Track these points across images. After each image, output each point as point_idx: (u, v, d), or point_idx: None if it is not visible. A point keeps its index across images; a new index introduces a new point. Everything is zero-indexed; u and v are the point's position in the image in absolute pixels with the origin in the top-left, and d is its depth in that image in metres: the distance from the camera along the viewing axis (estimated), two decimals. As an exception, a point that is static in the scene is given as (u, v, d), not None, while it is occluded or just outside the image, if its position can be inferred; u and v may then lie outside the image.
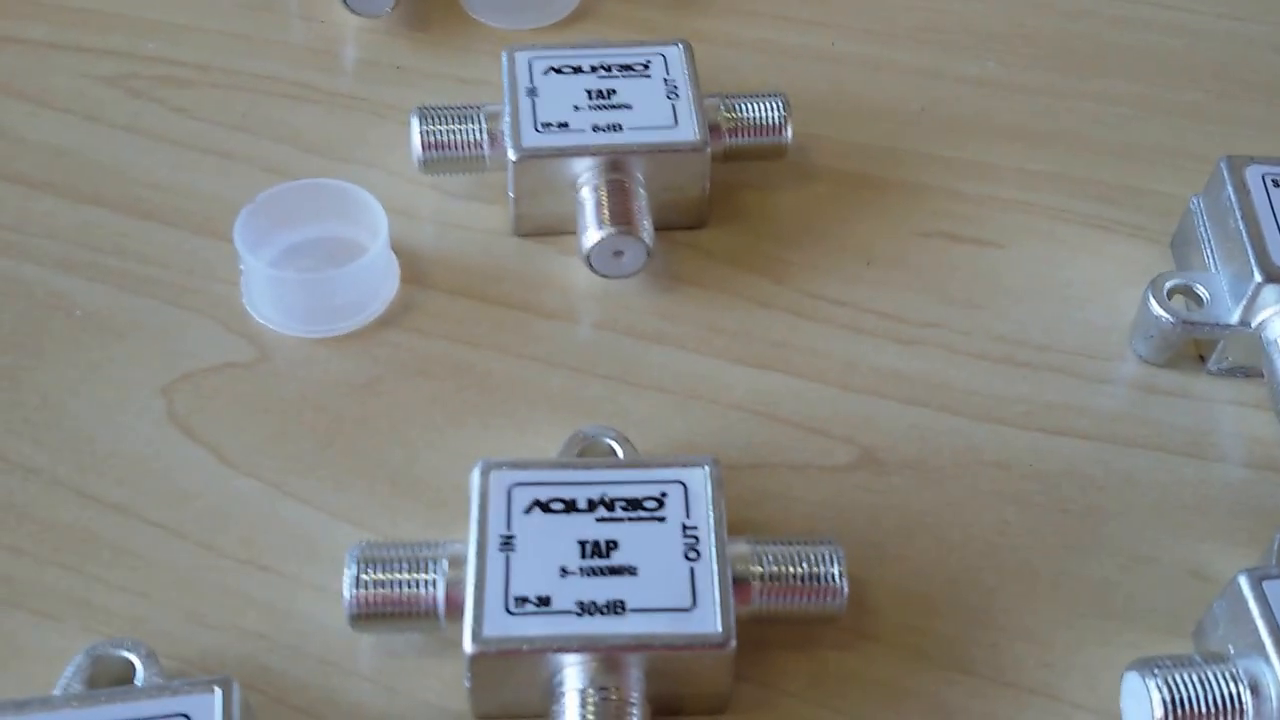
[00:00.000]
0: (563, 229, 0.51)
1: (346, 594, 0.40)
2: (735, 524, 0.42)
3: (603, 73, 0.52)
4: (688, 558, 0.40)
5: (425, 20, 0.61)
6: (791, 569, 0.40)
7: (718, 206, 0.53)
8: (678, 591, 0.39)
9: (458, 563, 0.40)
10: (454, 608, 0.39)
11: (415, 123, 0.51)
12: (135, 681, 0.39)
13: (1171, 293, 0.48)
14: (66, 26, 0.60)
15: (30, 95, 0.58)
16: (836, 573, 0.41)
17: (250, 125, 0.57)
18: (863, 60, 0.60)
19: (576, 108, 0.51)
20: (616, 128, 0.51)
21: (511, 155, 0.50)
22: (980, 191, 0.55)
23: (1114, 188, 0.55)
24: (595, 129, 0.51)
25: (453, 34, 0.60)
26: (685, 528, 0.40)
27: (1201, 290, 0.48)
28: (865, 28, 0.62)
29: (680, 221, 0.52)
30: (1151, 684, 0.38)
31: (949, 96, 0.59)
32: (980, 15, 0.63)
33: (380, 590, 0.40)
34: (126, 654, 0.40)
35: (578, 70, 0.52)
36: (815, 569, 0.40)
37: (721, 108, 0.52)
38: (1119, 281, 0.52)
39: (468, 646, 0.38)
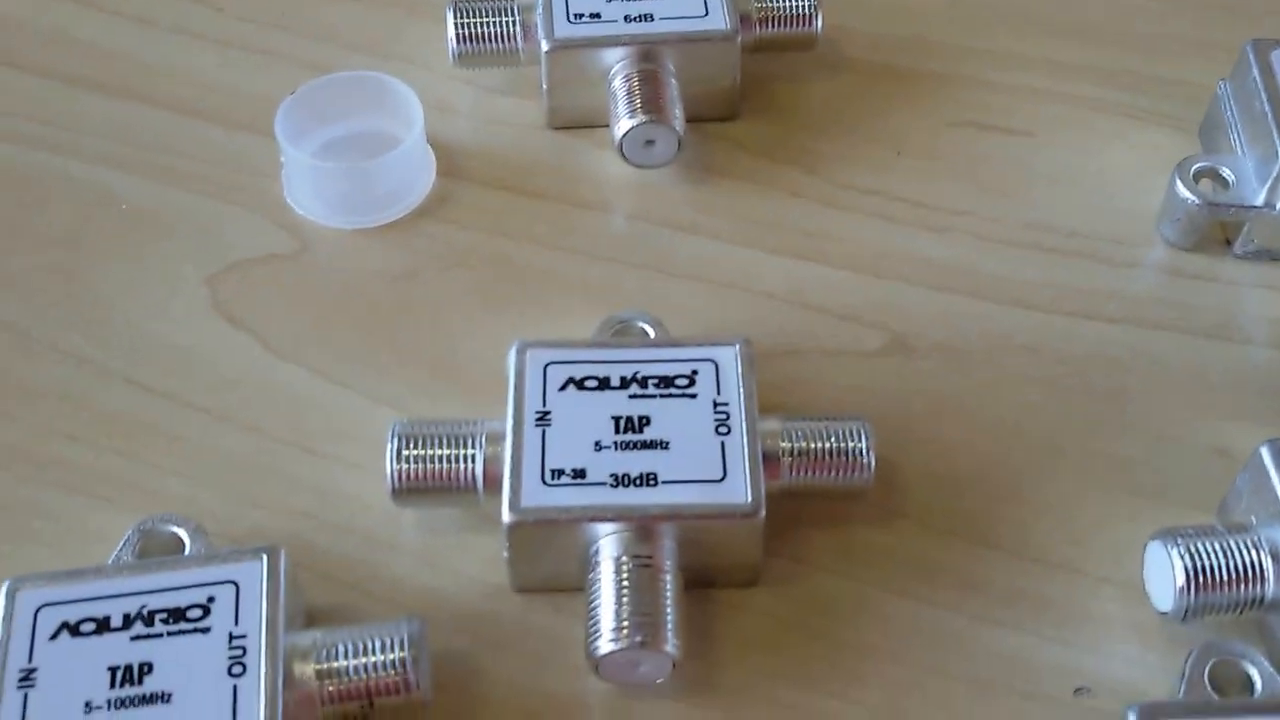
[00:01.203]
0: (596, 121, 0.52)
1: (388, 468, 0.41)
2: (767, 408, 0.42)
3: None
4: (718, 432, 0.41)
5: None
6: (819, 444, 0.41)
7: (749, 98, 0.54)
8: (708, 464, 0.40)
9: (495, 439, 0.41)
10: (492, 481, 0.40)
11: (450, 16, 0.52)
12: (183, 552, 0.40)
13: (1198, 175, 0.49)
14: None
15: (77, -2, 0.59)
16: (864, 447, 0.41)
17: (289, 23, 0.58)
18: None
19: (608, 3, 0.52)
20: (648, 17, 0.51)
21: (544, 45, 0.51)
22: (1010, 81, 0.55)
23: (1143, 77, 0.55)
24: (627, 19, 0.51)
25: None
26: (716, 404, 0.41)
27: (1227, 172, 0.49)
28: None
29: (712, 113, 0.53)
30: (1174, 553, 0.39)
31: (981, -12, 0.59)
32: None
33: (421, 465, 0.41)
34: (175, 528, 0.41)
35: None
36: (843, 443, 0.41)
37: (754, 6, 0.53)
38: (1147, 169, 0.52)
39: (506, 516, 0.39)
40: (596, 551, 0.39)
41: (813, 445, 0.41)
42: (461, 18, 0.52)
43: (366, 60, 0.55)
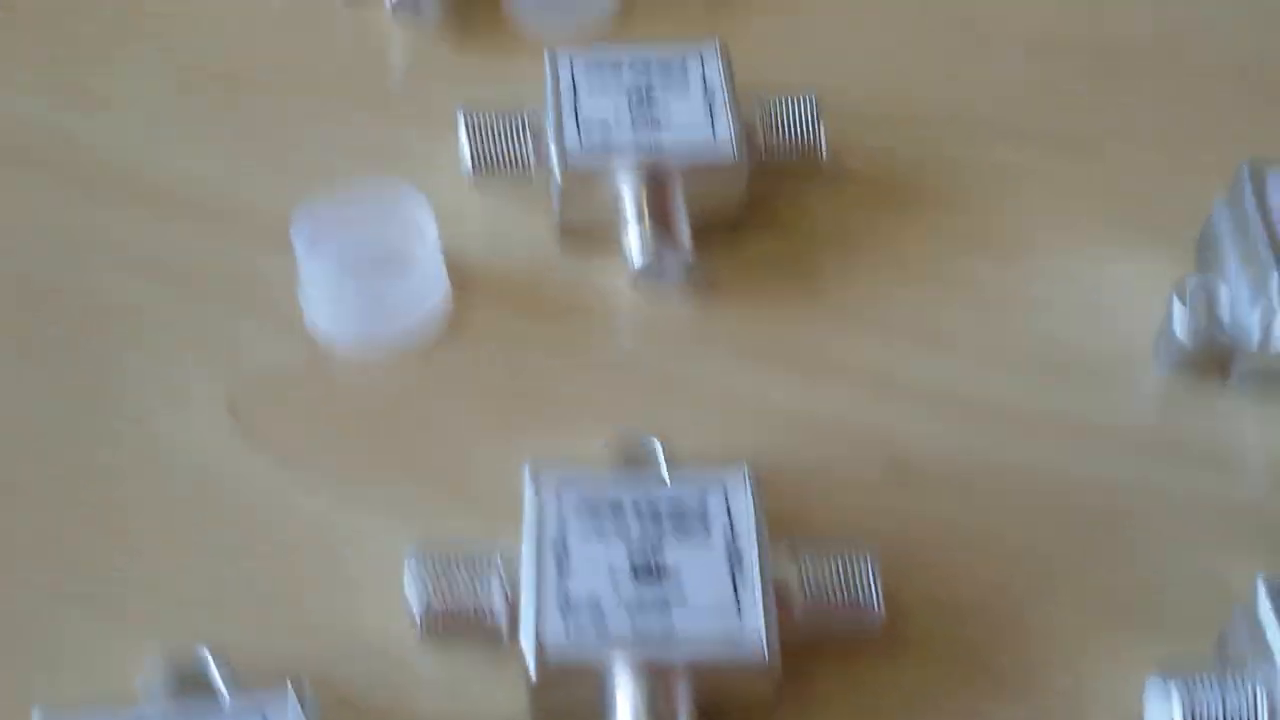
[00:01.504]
0: (606, 234, 0.53)
1: (416, 611, 0.42)
2: (770, 531, 0.43)
3: (641, 76, 0.54)
4: (732, 573, 0.41)
5: (471, 26, 0.62)
6: (832, 595, 0.43)
7: (754, 213, 0.54)
8: (723, 605, 0.41)
9: (514, 572, 0.42)
10: (514, 621, 0.41)
11: (463, 137, 0.53)
12: (209, 683, 0.41)
13: (1193, 304, 0.49)
14: (122, 30, 0.62)
15: (89, 101, 0.59)
16: (875, 597, 0.43)
17: (301, 132, 0.58)
18: (894, 66, 0.61)
19: (617, 112, 0.53)
20: (656, 136, 0.52)
21: (556, 169, 0.51)
22: (1009, 199, 0.56)
23: (1143, 195, 0.56)
24: (636, 137, 0.52)
25: (498, 34, 0.61)
26: (728, 543, 0.42)
27: (1223, 299, 0.49)
28: (898, 35, 0.63)
29: (717, 228, 0.53)
30: (1172, 691, 0.40)
31: (980, 102, 0.60)
32: (1012, 20, 0.63)
33: (448, 612, 0.42)
34: (200, 658, 0.41)
35: (616, 69, 0.54)
36: (854, 594, 0.43)
37: (758, 118, 0.54)
38: (1145, 289, 0.52)
39: (530, 664, 0.40)
40: (614, 695, 0.40)
41: (824, 593, 0.42)
42: (474, 140, 0.53)
43: (377, 169, 0.55)
